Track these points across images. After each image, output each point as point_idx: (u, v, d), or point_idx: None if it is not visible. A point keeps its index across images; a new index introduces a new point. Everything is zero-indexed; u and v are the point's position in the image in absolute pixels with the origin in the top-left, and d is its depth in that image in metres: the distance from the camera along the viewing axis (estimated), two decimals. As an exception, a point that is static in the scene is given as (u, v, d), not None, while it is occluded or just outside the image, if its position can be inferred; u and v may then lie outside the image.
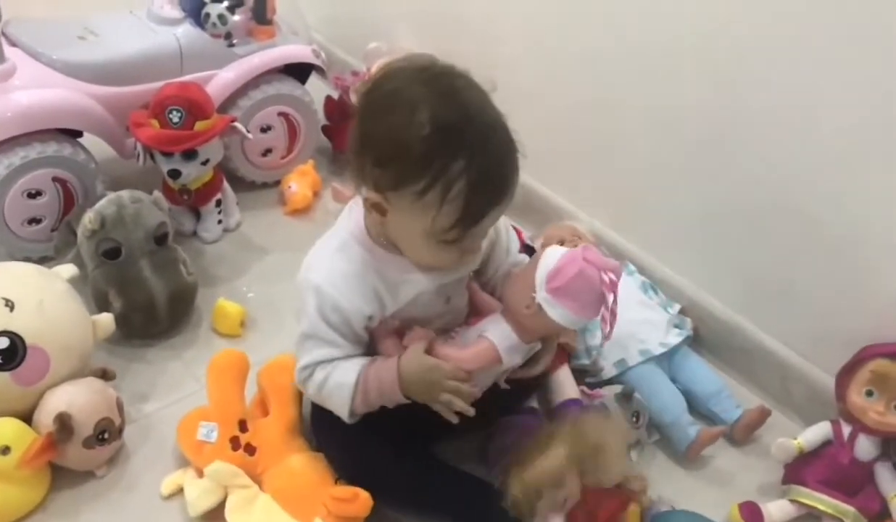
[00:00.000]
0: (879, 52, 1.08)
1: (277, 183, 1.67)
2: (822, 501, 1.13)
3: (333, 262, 0.99)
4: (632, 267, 1.44)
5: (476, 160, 0.87)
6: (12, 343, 1.05)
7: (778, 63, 1.19)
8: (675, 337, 1.33)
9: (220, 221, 1.52)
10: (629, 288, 1.39)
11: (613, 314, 0.93)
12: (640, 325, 1.33)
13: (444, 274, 1.00)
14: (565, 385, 1.25)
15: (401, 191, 0.89)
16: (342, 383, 0.99)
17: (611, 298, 0.92)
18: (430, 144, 0.86)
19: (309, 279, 0.98)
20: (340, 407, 1.00)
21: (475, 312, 1.06)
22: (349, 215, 1.02)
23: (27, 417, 1.07)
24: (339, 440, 1.09)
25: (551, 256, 0.95)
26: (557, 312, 0.93)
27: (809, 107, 1.18)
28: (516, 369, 1.04)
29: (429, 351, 0.98)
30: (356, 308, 0.97)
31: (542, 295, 0.93)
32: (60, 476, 1.09)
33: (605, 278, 0.91)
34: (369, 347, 1.03)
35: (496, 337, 0.98)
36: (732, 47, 1.24)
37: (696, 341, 1.38)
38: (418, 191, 0.88)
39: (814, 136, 1.18)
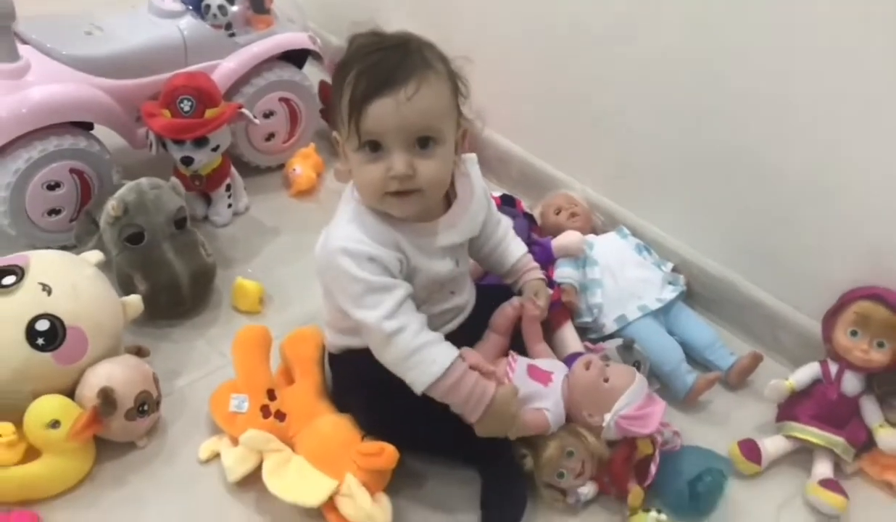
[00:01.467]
0: (854, 15, 1.16)
1: (281, 166, 1.73)
2: (813, 434, 1.22)
3: (350, 228, 1.05)
4: (625, 231, 1.52)
5: (370, 56, 0.99)
6: (52, 325, 1.11)
7: (759, 28, 1.26)
8: (670, 293, 1.41)
9: (230, 205, 1.58)
10: (625, 249, 1.47)
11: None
12: (637, 283, 1.41)
13: (446, 233, 1.09)
14: (569, 341, 1.33)
15: (336, 106, 1.02)
16: (435, 360, 1.01)
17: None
18: (349, 55, 1.02)
19: (333, 247, 1.03)
20: (420, 379, 1.02)
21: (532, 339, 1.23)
22: (353, 188, 1.09)
23: (68, 395, 1.12)
24: (361, 399, 1.15)
25: (635, 393, 1.12)
26: (611, 433, 1.12)
27: (788, 70, 1.25)
28: None
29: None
30: (386, 254, 1.03)
31: (610, 419, 1.11)
32: (104, 449, 1.14)
33: (657, 436, 1.12)
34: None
35: (552, 414, 1.12)
36: (718, 15, 1.31)
37: (689, 296, 1.47)
38: (338, 94, 1.01)
39: (793, 98, 1.26)
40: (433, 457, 1.17)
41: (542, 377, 1.15)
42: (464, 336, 1.17)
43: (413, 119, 0.98)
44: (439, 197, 1.08)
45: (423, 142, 1.00)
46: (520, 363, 1.15)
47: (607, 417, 1.10)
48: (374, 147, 1.00)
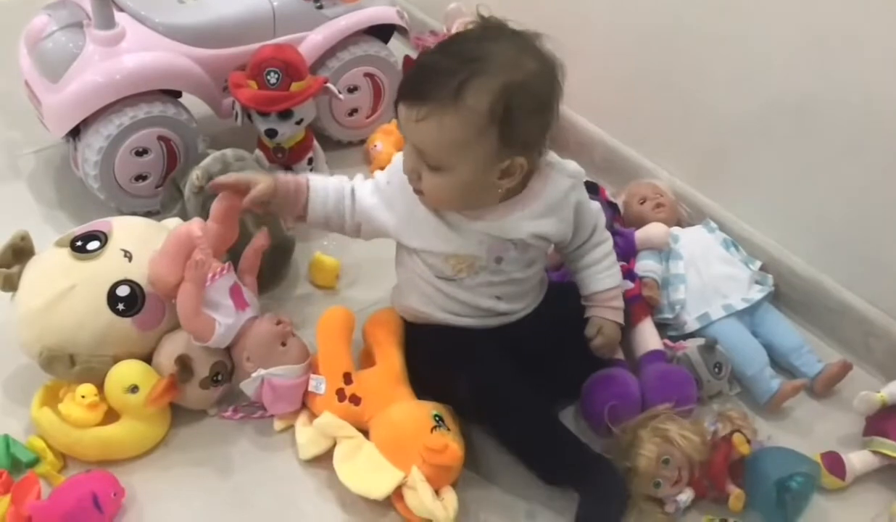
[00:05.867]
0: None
1: (362, 142, 1.73)
2: (904, 453, 1.16)
3: (388, 174, 1.16)
4: (713, 224, 1.46)
5: (428, 55, 1.06)
6: (132, 291, 1.13)
7: (867, 22, 1.20)
8: (757, 293, 1.36)
9: (311, 178, 1.58)
10: (711, 244, 1.42)
11: None
12: (722, 281, 1.36)
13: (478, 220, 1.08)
14: (648, 337, 1.29)
15: None
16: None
17: None
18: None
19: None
20: None
21: None
22: None
23: (146, 361, 1.14)
24: (460, 384, 1.11)
25: (293, 371, 1.15)
26: (249, 389, 1.15)
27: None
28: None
29: None
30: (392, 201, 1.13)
31: (259, 375, 1.13)
32: (177, 415, 1.16)
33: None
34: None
35: (222, 331, 1.14)
36: (821, 5, 1.25)
37: (776, 297, 1.41)
38: None
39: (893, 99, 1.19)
40: (522, 460, 1.12)
41: (240, 302, 1.16)
42: (527, 327, 1.17)
43: (416, 140, 1.02)
44: (453, 209, 1.09)
45: (428, 163, 1.03)
46: (227, 278, 1.16)
47: (261, 371, 1.12)
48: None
